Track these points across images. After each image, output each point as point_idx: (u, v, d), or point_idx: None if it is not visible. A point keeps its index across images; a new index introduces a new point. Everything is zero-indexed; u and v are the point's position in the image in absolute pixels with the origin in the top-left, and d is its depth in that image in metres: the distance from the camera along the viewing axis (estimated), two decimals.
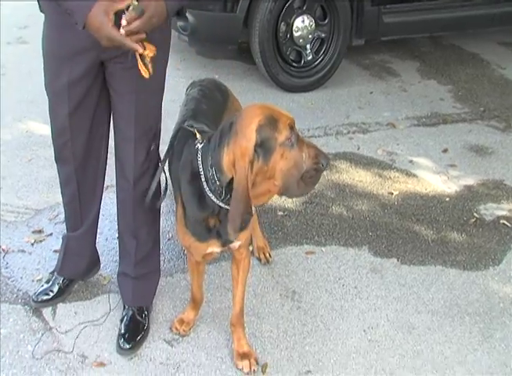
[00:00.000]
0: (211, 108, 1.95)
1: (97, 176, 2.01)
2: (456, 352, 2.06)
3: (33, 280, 2.23)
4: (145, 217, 2.00)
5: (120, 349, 1.98)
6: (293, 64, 3.79)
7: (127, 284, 2.08)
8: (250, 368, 1.93)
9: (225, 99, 2.09)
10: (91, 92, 1.80)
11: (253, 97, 3.68)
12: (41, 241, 2.43)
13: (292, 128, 1.49)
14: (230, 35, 3.68)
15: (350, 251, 2.50)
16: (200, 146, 1.58)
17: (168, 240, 2.49)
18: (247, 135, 1.44)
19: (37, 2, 1.73)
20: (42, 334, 2.02)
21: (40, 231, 2.48)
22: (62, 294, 2.14)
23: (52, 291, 2.13)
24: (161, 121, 1.98)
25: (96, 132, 1.91)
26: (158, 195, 1.97)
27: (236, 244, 1.81)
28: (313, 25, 3.72)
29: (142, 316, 2.06)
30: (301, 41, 3.74)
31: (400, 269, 2.42)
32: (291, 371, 1.95)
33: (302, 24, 3.69)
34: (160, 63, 1.73)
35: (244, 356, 1.95)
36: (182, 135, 1.77)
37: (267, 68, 3.71)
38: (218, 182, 1.54)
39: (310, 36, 3.75)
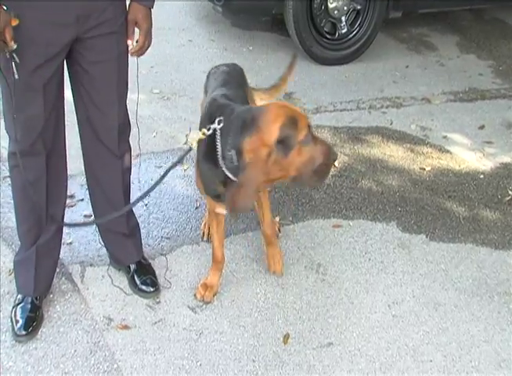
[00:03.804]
0: (235, 86, 2.06)
1: (63, 164, 1.93)
2: (482, 330, 2.02)
3: (63, 243, 2.26)
4: (129, 181, 2.05)
5: (147, 293, 2.08)
6: (328, 36, 3.71)
7: (126, 244, 2.10)
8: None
9: (244, 84, 2.19)
10: (59, 73, 1.75)
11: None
12: (72, 206, 2.48)
13: (309, 127, 1.66)
14: (264, 6, 3.62)
15: (378, 226, 2.46)
16: (218, 126, 1.70)
17: (196, 208, 2.51)
18: (271, 131, 1.60)
19: None
20: (71, 296, 2.08)
21: (71, 196, 2.51)
22: (42, 315, 1.98)
23: (34, 318, 1.95)
24: None
25: (61, 114, 1.85)
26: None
27: None
28: None
29: (145, 260, 2.17)
30: (335, 12, 3.65)
31: (428, 245, 2.37)
32: (313, 343, 1.96)
33: None
34: (124, 27, 1.78)
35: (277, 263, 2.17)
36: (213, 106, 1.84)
37: (301, 40, 3.64)
38: (235, 163, 1.66)
39: (345, 8, 3.65)
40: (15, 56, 1.60)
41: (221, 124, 1.69)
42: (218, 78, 2.07)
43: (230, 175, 1.70)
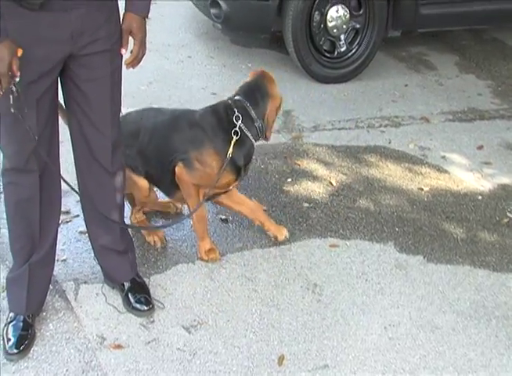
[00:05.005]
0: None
1: (57, 181, 1.88)
2: (480, 355, 2.00)
3: (57, 260, 2.24)
4: (122, 198, 2.05)
5: (141, 312, 2.06)
6: (327, 55, 3.72)
7: (120, 261, 2.08)
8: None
9: None
10: (52, 89, 1.75)
11: (285, 87, 3.63)
12: (67, 222, 2.47)
13: None
14: (263, 24, 3.64)
15: (375, 246, 2.45)
16: (238, 113, 2.19)
17: (191, 227, 2.49)
18: (278, 94, 2.30)
19: None
20: (64, 314, 2.05)
21: (67, 212, 2.50)
22: (35, 334, 1.95)
23: (26, 336, 1.92)
24: None
25: (54, 131, 1.84)
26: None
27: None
28: (348, 15, 3.64)
29: (140, 278, 2.15)
30: (335, 31, 3.67)
31: (426, 266, 2.36)
32: (308, 364, 1.93)
33: (336, 14, 3.61)
34: (118, 45, 1.79)
35: (278, 228, 2.41)
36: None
37: (300, 58, 3.66)
38: (262, 129, 2.24)
39: (344, 26, 3.67)
40: (15, 88, 1.58)
41: (240, 119, 2.16)
42: (162, 114, 2.33)
43: (254, 141, 2.24)
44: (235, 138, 2.14)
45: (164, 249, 2.38)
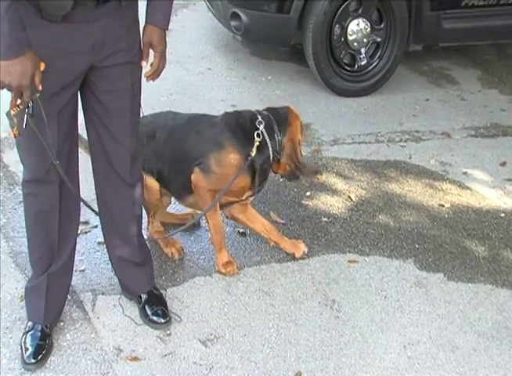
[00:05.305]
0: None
1: (76, 195, 1.89)
2: None
3: (76, 270, 2.25)
4: (140, 209, 2.06)
5: (158, 325, 2.06)
6: (347, 68, 3.71)
7: (138, 273, 2.08)
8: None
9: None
10: (73, 101, 1.76)
11: (304, 100, 3.64)
12: (86, 232, 2.48)
13: None
14: (283, 36, 3.64)
15: (394, 263, 2.41)
16: (261, 119, 2.23)
17: (209, 239, 2.48)
18: (297, 127, 2.31)
19: None
20: (81, 324, 2.06)
21: (86, 222, 2.52)
22: (52, 343, 1.97)
23: (44, 346, 1.93)
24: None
25: (74, 143, 1.86)
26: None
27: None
28: (368, 29, 3.63)
29: (157, 290, 2.15)
30: (355, 44, 3.66)
31: (446, 285, 2.32)
32: None
33: (357, 27, 3.60)
34: (138, 57, 1.80)
35: (294, 245, 2.40)
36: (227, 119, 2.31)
37: (319, 71, 3.65)
38: (280, 145, 2.26)
39: (365, 40, 3.66)
40: (31, 104, 1.58)
41: (263, 124, 2.20)
42: (180, 117, 2.34)
43: (271, 156, 2.25)
44: (258, 139, 2.17)
45: (181, 261, 2.37)
